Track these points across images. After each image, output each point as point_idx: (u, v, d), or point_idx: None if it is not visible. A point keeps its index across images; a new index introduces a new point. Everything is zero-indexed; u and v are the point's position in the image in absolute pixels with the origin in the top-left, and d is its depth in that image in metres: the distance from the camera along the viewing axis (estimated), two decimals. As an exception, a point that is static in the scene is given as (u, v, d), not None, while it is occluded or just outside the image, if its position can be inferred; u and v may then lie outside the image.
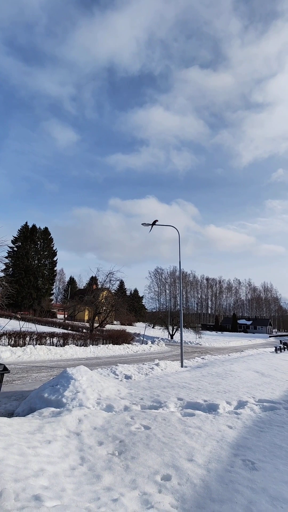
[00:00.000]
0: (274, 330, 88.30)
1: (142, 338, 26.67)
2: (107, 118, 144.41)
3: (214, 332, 65.01)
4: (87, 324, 28.68)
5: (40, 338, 15.70)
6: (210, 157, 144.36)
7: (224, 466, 3.43)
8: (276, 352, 22.77)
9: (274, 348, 25.79)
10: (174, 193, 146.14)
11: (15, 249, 52.18)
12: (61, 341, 16.78)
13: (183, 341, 14.65)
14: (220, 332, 67.66)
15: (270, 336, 63.70)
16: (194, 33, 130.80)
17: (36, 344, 14.77)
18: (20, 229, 54.24)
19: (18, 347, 13.28)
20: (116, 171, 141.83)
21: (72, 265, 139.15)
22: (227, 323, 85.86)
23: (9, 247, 50.09)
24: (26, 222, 55.13)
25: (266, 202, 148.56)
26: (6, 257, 47.49)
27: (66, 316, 44.95)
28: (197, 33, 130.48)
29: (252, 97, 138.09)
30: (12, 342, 14.45)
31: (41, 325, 28.08)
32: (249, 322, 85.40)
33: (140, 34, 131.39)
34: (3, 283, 17.80)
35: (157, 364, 11.71)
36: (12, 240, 51.87)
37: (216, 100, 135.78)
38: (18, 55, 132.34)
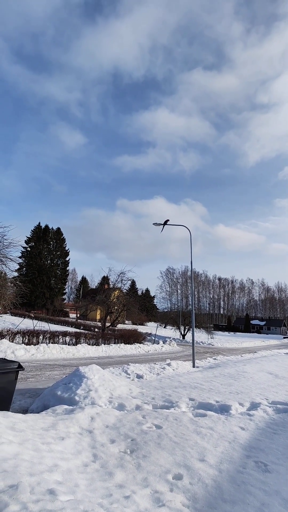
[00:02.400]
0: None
1: (153, 338, 26.70)
2: (113, 121, 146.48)
3: (226, 333, 64.33)
4: (99, 324, 28.93)
5: (53, 337, 15.96)
6: (217, 157, 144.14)
7: (236, 467, 3.41)
8: (290, 354, 22.33)
9: (288, 350, 25.32)
10: (182, 193, 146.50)
11: (29, 249, 53.21)
12: (74, 340, 17.01)
13: (194, 341, 14.58)
14: (232, 333, 66.89)
15: (284, 337, 62.44)
16: (196, 37, 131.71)
17: (49, 343, 15.03)
18: (33, 229, 55.27)
19: (32, 346, 13.55)
20: (123, 172, 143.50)
21: (84, 264, 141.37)
22: (239, 323, 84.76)
23: (22, 247, 51.11)
24: (39, 223, 56.16)
25: (275, 201, 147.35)
26: (19, 257, 48.49)
27: (78, 315, 45.48)
28: (199, 37, 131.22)
29: (257, 98, 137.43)
30: (26, 340, 14.76)
31: (54, 324, 28.53)
32: (262, 323, 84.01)
33: (143, 40, 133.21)
34: (17, 282, 18.20)
35: (168, 364, 11.70)
36: (25, 240, 52.99)
37: (221, 102, 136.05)
38: (26, 63, 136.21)
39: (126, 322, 52.11)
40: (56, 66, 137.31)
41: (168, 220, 15.35)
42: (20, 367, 4.90)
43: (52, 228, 57.02)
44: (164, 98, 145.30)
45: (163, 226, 15.40)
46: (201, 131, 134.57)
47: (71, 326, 29.01)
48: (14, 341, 14.21)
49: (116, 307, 25.71)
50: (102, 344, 17.93)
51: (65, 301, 63.93)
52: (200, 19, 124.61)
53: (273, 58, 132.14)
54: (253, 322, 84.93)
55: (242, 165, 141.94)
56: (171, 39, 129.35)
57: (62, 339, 16.66)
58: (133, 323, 49.65)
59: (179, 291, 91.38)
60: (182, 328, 38.84)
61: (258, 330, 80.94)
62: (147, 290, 79.04)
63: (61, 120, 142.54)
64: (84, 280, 79.67)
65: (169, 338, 32.13)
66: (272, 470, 3.40)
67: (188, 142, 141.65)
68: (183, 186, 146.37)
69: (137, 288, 64.52)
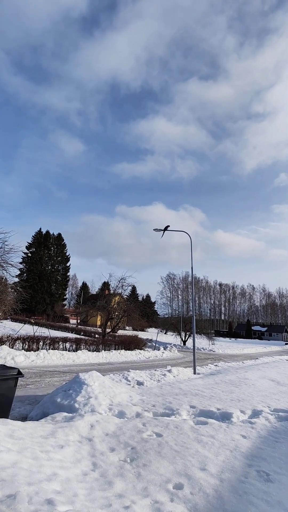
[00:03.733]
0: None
1: (154, 344, 26.53)
2: (111, 129, 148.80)
3: (227, 339, 63.88)
4: (100, 329, 28.80)
5: (53, 343, 15.88)
6: (214, 165, 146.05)
7: (238, 477, 3.35)
8: (292, 360, 22.13)
9: (290, 356, 25.10)
10: (181, 199, 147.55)
11: (29, 254, 53.28)
12: (74, 346, 16.91)
13: (195, 348, 14.48)
14: (233, 339, 66.41)
15: (286, 344, 61.93)
16: (191, 49, 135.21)
17: (49, 349, 14.94)
18: (34, 235, 55.41)
19: (32, 352, 13.47)
20: (123, 178, 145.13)
21: (84, 270, 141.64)
22: (241, 329, 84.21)
23: (23, 252, 51.19)
24: (40, 228, 56.32)
25: (273, 207, 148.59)
26: (20, 263, 48.55)
27: (78, 321, 45.31)
28: (194, 49, 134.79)
29: (252, 108, 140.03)
30: (26, 346, 14.69)
31: (54, 330, 28.40)
32: (264, 329, 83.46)
33: (139, 52, 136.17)
34: (18, 288, 18.19)
35: (169, 371, 11.60)
36: (26, 246, 53.08)
37: (217, 111, 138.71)
38: (26, 75, 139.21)
39: (127, 328, 51.84)
40: (56, 77, 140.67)
41: (168, 226, 15.42)
42: (19, 373, 4.86)
43: (53, 234, 57.19)
44: (161, 107, 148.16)
45: (164, 232, 15.45)
46: (198, 139, 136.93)
47: (72, 332, 28.86)
48: (14, 347, 14.14)
49: (116, 313, 25.62)
50: (103, 350, 17.82)
51: (66, 307, 63.75)
52: (195, 33, 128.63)
53: (266, 69, 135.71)
54: (255, 328, 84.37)
55: (240, 172, 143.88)
56: (167, 51, 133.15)
57: (62, 345, 16.57)
58: (134, 329, 49.38)
59: (180, 296, 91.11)
60: (183, 334, 38.60)
61: (260, 336, 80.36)
62: (148, 296, 78.88)
63: (61, 128, 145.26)
64: (84, 286, 79.53)
65: (170, 344, 31.91)
66: (274, 479, 3.35)
67: (185, 150, 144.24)
68: (181, 192, 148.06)
69: (137, 294, 64.44)
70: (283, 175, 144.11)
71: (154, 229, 15.57)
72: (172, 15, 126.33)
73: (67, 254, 58.33)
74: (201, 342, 37.38)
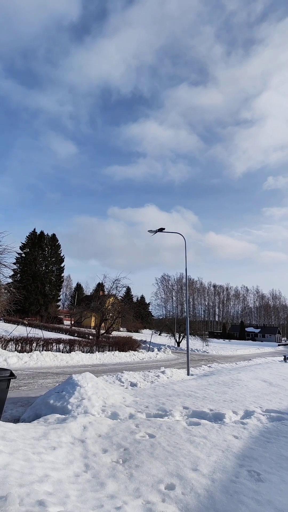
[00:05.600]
0: (283, 339, 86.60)
1: (148, 345, 26.52)
2: (103, 132, 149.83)
3: (221, 340, 64.21)
4: (94, 331, 28.69)
5: (46, 344, 15.78)
6: (205, 168, 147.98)
7: (229, 477, 3.39)
8: (285, 361, 22.36)
9: (283, 357, 25.34)
10: (174, 201, 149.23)
11: (23, 255, 52.80)
12: (68, 347, 16.82)
13: (189, 349, 14.53)
14: (227, 340, 66.81)
15: (279, 345, 62.54)
16: (180, 57, 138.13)
17: (42, 350, 14.84)
18: (28, 235, 54.95)
19: (25, 353, 13.36)
20: (115, 180, 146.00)
21: (78, 271, 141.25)
22: (234, 331, 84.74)
23: (17, 253, 50.73)
24: (34, 229, 55.85)
25: (264, 210, 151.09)
26: (14, 263, 48.15)
27: (72, 322, 45.05)
28: (182, 57, 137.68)
29: (241, 115, 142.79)
30: (19, 348, 14.57)
31: (48, 331, 28.20)
32: (257, 330, 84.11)
33: (129, 59, 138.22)
34: (11, 289, 18.03)
35: (163, 372, 11.62)
36: (20, 247, 52.59)
37: (207, 117, 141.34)
38: (17, 79, 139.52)
39: (121, 329, 51.72)
40: (48, 81, 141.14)
41: (163, 229, 15.50)
42: (12, 375, 4.84)
43: (47, 235, 56.78)
44: (152, 111, 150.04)
45: (156, 231, 15.50)
46: (189, 143, 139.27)
47: (65, 333, 28.69)
48: (6, 349, 14.02)
49: (111, 314, 25.54)
50: (96, 352, 17.75)
51: (60, 308, 63.30)
52: (183, 41, 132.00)
53: (254, 77, 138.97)
54: (248, 329, 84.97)
55: (230, 175, 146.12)
56: (156, 58, 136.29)
57: (56, 346, 16.47)
58: (128, 330, 49.31)
59: (174, 298, 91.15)
60: (177, 335, 38.68)
61: (253, 337, 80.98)
62: (142, 297, 78.75)
63: (53, 130, 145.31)
64: (79, 287, 79.14)
65: (164, 345, 31.94)
66: (265, 479, 3.39)
67: (177, 154, 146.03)
68: (174, 194, 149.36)
69: (132, 295, 64.39)
70: (271, 178, 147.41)
71: (149, 231, 15.63)
72: (161, 24, 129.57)
73: (61, 255, 57.97)
74: (195, 343, 37.50)
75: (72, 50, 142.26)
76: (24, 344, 14.79)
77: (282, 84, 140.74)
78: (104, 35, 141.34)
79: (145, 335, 44.56)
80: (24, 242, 53.87)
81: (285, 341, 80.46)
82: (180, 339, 37.82)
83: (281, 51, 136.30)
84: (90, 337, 26.44)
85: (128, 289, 57.86)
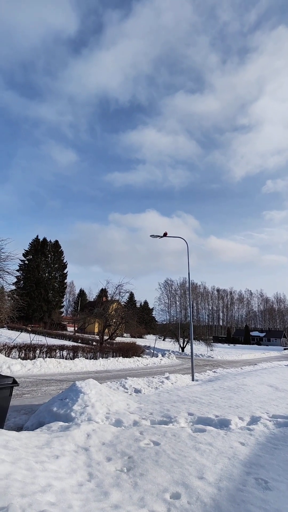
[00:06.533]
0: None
1: (152, 351, 26.33)
2: (102, 140, 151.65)
3: (226, 345, 63.62)
4: (97, 337, 28.56)
5: (50, 351, 15.70)
6: (204, 174, 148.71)
7: (236, 485, 3.31)
8: (291, 366, 22.05)
9: (288, 361, 25.01)
10: (174, 206, 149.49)
11: (26, 262, 53.02)
12: (71, 354, 16.74)
13: (194, 354, 14.39)
14: (232, 345, 66.17)
15: (284, 349, 61.76)
16: (176, 65, 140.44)
17: (46, 357, 14.77)
18: (31, 242, 55.27)
19: (28, 360, 13.31)
20: (115, 186, 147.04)
21: (81, 277, 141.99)
22: (239, 335, 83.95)
23: (20, 260, 50.96)
24: (37, 236, 56.20)
25: (264, 214, 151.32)
26: (17, 270, 48.32)
27: (76, 328, 44.94)
28: (179, 66, 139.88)
29: (238, 121, 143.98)
30: (23, 355, 14.51)
31: (51, 337, 28.15)
32: (262, 334, 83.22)
33: (127, 69, 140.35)
34: (14, 296, 18.07)
35: (167, 378, 11.50)
36: (23, 254, 52.87)
37: (205, 124, 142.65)
38: (17, 90, 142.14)
39: (125, 335, 51.49)
40: (47, 92, 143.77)
41: (166, 233, 15.53)
42: (14, 382, 4.80)
43: (50, 241, 57.03)
44: (150, 119, 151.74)
45: (160, 236, 15.53)
46: (188, 149, 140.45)
47: (69, 340, 28.60)
48: (10, 356, 13.96)
49: (114, 320, 25.44)
50: (100, 358, 17.64)
51: (63, 314, 63.29)
52: (179, 51, 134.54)
53: (249, 84, 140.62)
54: (253, 333, 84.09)
55: (230, 180, 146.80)
56: (152, 68, 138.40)
57: (60, 353, 16.39)
58: (132, 336, 49.06)
59: (177, 303, 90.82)
60: (181, 340, 38.37)
61: (258, 341, 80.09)
62: (146, 302, 78.48)
63: (53, 139, 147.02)
64: (82, 293, 79.11)
65: (168, 351, 31.69)
66: (273, 487, 3.30)
67: (176, 160, 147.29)
68: (174, 199, 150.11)
69: (135, 300, 64.18)
70: (269, 182, 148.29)
71: (151, 235, 15.62)
72: (156, 34, 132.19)
73: (64, 261, 58.13)
74: (200, 348, 37.17)
75: (70, 62, 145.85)
76: (27, 351, 14.73)
77: (277, 90, 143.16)
78: (102, 47, 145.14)
79: (149, 340, 44.29)
80: (27, 249, 54.18)
81: (291, 345, 79.55)
82: (184, 344, 37.51)
83: (276, 58, 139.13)
84: (94, 343, 26.31)
85: (131, 295, 57.86)
